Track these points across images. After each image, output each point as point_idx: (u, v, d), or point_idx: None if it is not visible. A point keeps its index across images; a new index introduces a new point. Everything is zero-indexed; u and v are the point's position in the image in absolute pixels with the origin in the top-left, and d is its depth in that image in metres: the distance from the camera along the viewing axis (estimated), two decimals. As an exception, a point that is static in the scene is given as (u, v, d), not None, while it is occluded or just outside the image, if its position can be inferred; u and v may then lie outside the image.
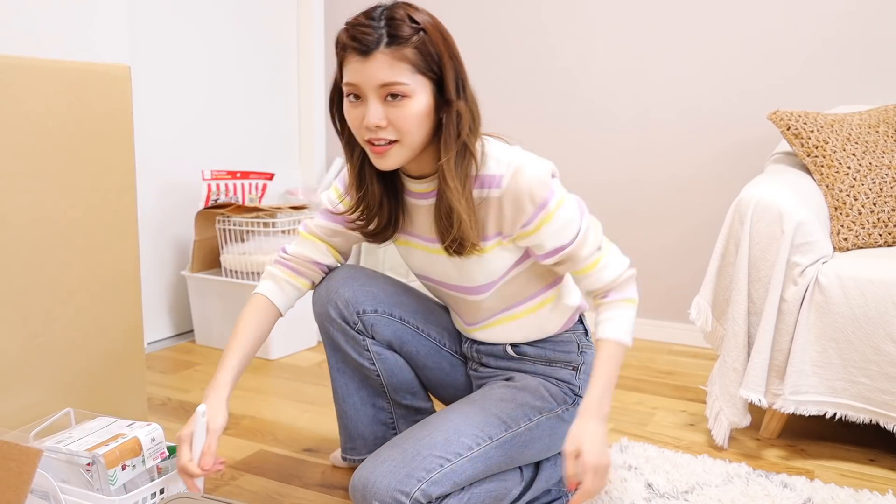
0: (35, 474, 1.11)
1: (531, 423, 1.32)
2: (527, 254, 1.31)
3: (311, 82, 3.00)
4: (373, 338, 1.42)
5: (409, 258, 1.39)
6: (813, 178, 1.83)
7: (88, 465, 1.19)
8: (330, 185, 2.86)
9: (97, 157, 1.49)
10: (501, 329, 1.38)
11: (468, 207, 1.20)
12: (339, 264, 1.45)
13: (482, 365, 1.45)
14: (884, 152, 1.80)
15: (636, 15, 2.48)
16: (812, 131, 1.83)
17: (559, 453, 1.40)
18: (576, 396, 1.38)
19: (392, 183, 1.31)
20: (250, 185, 2.53)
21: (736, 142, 2.40)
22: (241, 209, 2.35)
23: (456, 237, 1.22)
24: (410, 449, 1.22)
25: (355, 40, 1.14)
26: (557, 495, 1.41)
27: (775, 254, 1.60)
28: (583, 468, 1.15)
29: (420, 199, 1.30)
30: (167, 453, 1.30)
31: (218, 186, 2.42)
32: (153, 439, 1.27)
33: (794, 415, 1.84)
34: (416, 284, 2.25)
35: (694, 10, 2.40)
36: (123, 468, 1.21)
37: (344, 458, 1.54)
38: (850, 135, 1.83)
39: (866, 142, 1.82)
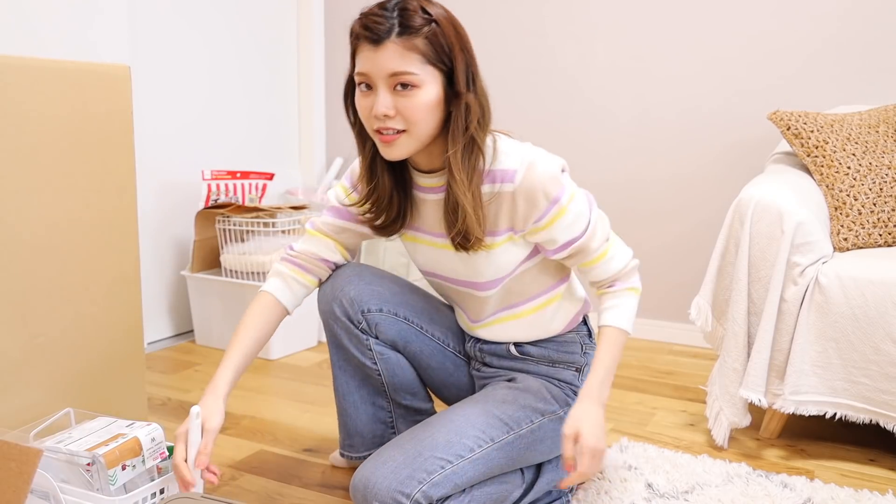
0: (35, 474, 1.11)
1: (533, 424, 1.32)
2: (535, 250, 1.31)
3: (311, 82, 3.00)
4: (376, 337, 1.42)
5: (416, 254, 1.39)
6: (813, 178, 1.83)
7: (88, 465, 1.19)
8: (330, 184, 2.86)
9: (97, 157, 1.49)
10: (505, 327, 1.38)
11: (474, 201, 1.21)
12: (345, 261, 1.45)
13: (485, 364, 1.45)
14: (884, 152, 1.80)
15: (636, 15, 2.48)
16: (812, 131, 1.83)
17: (560, 455, 1.40)
18: (576, 395, 1.38)
19: (402, 177, 1.32)
20: (250, 185, 2.53)
21: (736, 142, 2.40)
22: (241, 209, 2.35)
23: (460, 230, 1.22)
24: (412, 450, 1.22)
25: (367, 29, 1.14)
26: (558, 496, 1.41)
27: (775, 254, 1.60)
28: (580, 451, 1.17)
29: (429, 194, 1.30)
30: (167, 453, 1.30)
31: (218, 186, 2.42)
32: (153, 439, 1.27)
33: (794, 415, 1.84)
34: (422, 284, 2.25)
35: (694, 10, 2.40)
36: (123, 468, 1.21)
37: (342, 455, 1.54)
38: (850, 135, 1.83)
39: (866, 142, 1.82)
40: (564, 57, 2.60)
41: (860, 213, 1.75)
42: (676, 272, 2.52)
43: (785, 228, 1.59)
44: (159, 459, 1.28)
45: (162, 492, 1.25)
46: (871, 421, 1.57)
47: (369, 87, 1.17)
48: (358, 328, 1.41)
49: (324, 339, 2.51)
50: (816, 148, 1.82)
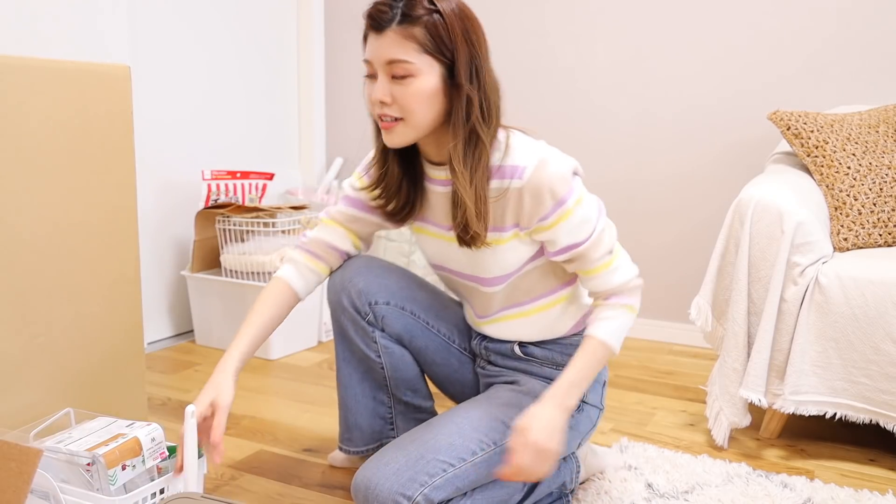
0: (35, 474, 1.11)
1: None
2: (542, 250, 1.31)
3: (311, 82, 3.00)
4: (382, 330, 1.43)
5: (425, 246, 1.40)
6: (813, 178, 1.83)
7: (88, 465, 1.19)
8: (330, 184, 2.87)
9: (97, 157, 1.49)
10: (511, 325, 1.38)
11: (475, 196, 1.21)
12: (357, 251, 1.47)
13: (490, 363, 1.45)
14: (884, 152, 1.80)
15: (636, 15, 2.48)
16: (812, 131, 1.83)
17: (563, 458, 1.40)
18: (582, 403, 1.37)
19: (413, 166, 1.33)
20: (250, 185, 2.53)
21: (736, 141, 2.40)
22: (241, 209, 2.35)
23: (460, 223, 1.23)
24: (414, 452, 1.21)
25: (371, 17, 1.17)
26: (559, 496, 1.41)
27: (775, 254, 1.60)
28: (523, 443, 1.16)
29: (439, 186, 1.31)
30: (167, 453, 1.30)
31: (218, 186, 2.42)
32: (153, 439, 1.27)
33: (794, 415, 1.84)
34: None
35: (694, 10, 2.40)
36: (123, 468, 1.21)
37: (340, 449, 1.54)
38: (850, 135, 1.83)
39: (866, 142, 1.82)
40: (565, 57, 2.60)
41: (860, 213, 1.75)
42: (676, 272, 2.52)
43: (785, 228, 1.59)
44: (159, 459, 1.28)
45: (162, 492, 1.25)
46: (871, 421, 1.57)
47: (373, 74, 1.20)
48: (364, 320, 1.42)
49: (324, 339, 2.51)
50: (816, 148, 1.82)
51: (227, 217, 2.35)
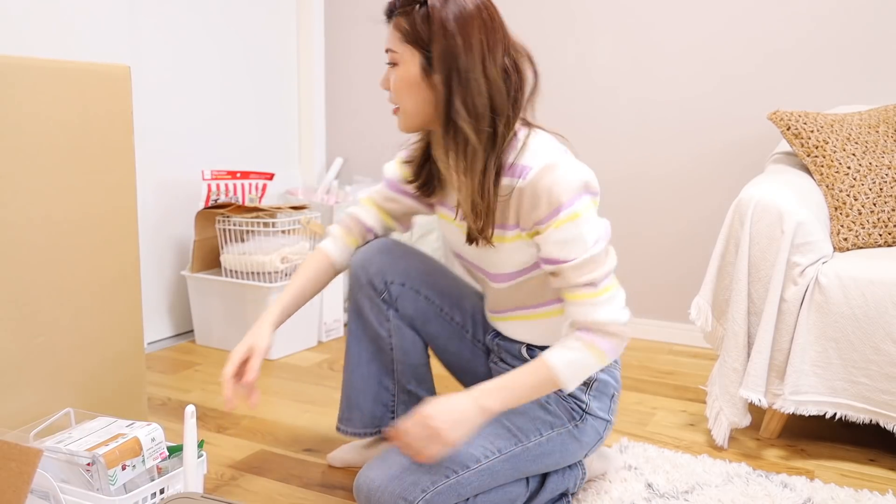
0: (35, 474, 1.11)
1: (542, 437, 1.30)
2: None
3: (311, 82, 3.00)
4: (397, 310, 1.46)
5: (445, 232, 1.43)
6: (813, 178, 1.83)
7: (88, 465, 1.19)
8: (330, 184, 2.87)
9: (97, 157, 1.49)
10: (519, 325, 1.38)
11: (469, 190, 1.21)
12: (386, 231, 1.51)
13: (501, 360, 1.46)
14: (884, 152, 1.80)
15: (636, 14, 2.48)
16: (812, 131, 1.83)
17: (568, 466, 1.39)
18: (584, 413, 1.34)
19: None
20: (250, 185, 2.53)
21: (736, 141, 2.40)
22: (241, 209, 2.35)
23: (462, 215, 1.26)
24: None
25: (386, 8, 1.25)
26: (559, 498, 1.40)
27: (775, 254, 1.60)
28: (422, 422, 1.15)
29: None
30: (167, 453, 1.30)
31: (218, 186, 2.42)
32: (153, 439, 1.27)
33: (794, 415, 1.84)
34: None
35: (694, 9, 2.40)
36: (123, 468, 1.21)
37: (338, 429, 1.55)
38: (850, 135, 1.83)
39: (866, 142, 1.82)
40: (565, 56, 2.60)
41: (860, 213, 1.75)
42: (676, 272, 2.52)
43: (785, 228, 1.59)
44: (159, 459, 1.28)
45: (162, 492, 1.25)
46: (871, 421, 1.57)
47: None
48: (380, 297, 1.46)
49: (324, 339, 2.51)
50: (816, 148, 1.82)
51: (227, 217, 2.35)
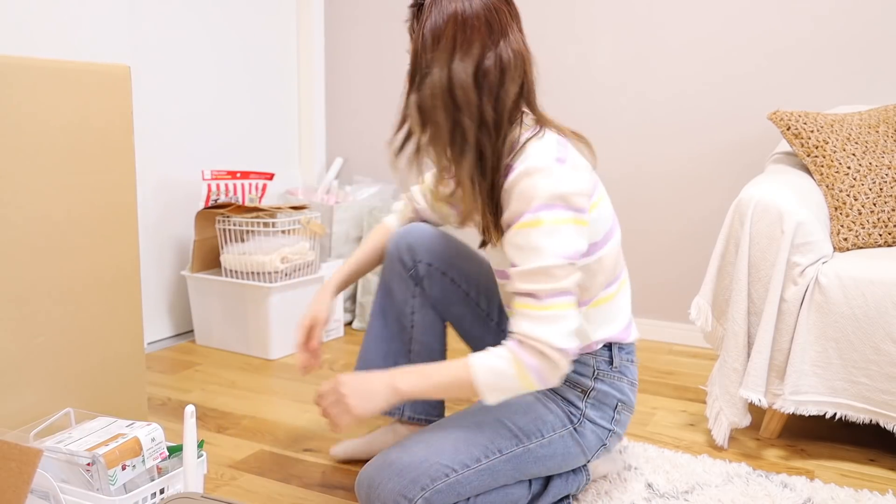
0: (35, 474, 1.11)
1: (543, 439, 1.29)
2: None
3: (311, 82, 3.00)
4: (423, 289, 1.49)
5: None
6: (813, 178, 1.83)
7: (88, 465, 1.19)
8: (330, 184, 2.87)
9: (97, 157, 1.49)
10: None
11: (464, 185, 1.23)
12: (440, 215, 1.55)
13: None
14: (884, 152, 1.80)
15: (637, 13, 2.48)
16: (812, 131, 1.83)
17: (572, 471, 1.39)
18: (581, 418, 1.33)
19: None
20: (250, 185, 2.53)
21: (736, 141, 2.40)
22: (241, 209, 2.35)
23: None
24: (419, 453, 1.21)
25: None
26: (561, 500, 1.40)
27: (775, 254, 1.60)
28: (334, 390, 1.19)
29: None
30: (167, 453, 1.30)
31: (218, 186, 2.42)
32: (153, 439, 1.27)
33: (794, 415, 1.84)
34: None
35: (694, 9, 2.40)
36: (123, 468, 1.21)
37: None
38: (850, 135, 1.83)
39: (866, 142, 1.82)
40: (565, 56, 2.60)
41: (860, 213, 1.75)
42: (676, 272, 2.52)
43: (785, 228, 1.59)
44: (159, 459, 1.28)
45: (162, 492, 1.25)
46: (871, 421, 1.57)
47: None
48: (408, 273, 1.49)
49: (324, 339, 2.51)
50: (816, 148, 1.82)
51: (227, 217, 2.35)
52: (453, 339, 2.46)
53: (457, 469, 1.21)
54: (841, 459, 1.65)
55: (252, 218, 2.34)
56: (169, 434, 1.73)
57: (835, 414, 1.60)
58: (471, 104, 1.17)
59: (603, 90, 2.56)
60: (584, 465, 1.41)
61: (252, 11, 2.75)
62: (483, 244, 1.32)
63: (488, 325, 1.51)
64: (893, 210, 1.75)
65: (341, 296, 2.57)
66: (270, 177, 2.59)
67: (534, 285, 1.14)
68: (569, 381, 1.34)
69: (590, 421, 1.33)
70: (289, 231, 2.39)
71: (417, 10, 1.21)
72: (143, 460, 1.25)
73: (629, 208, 2.56)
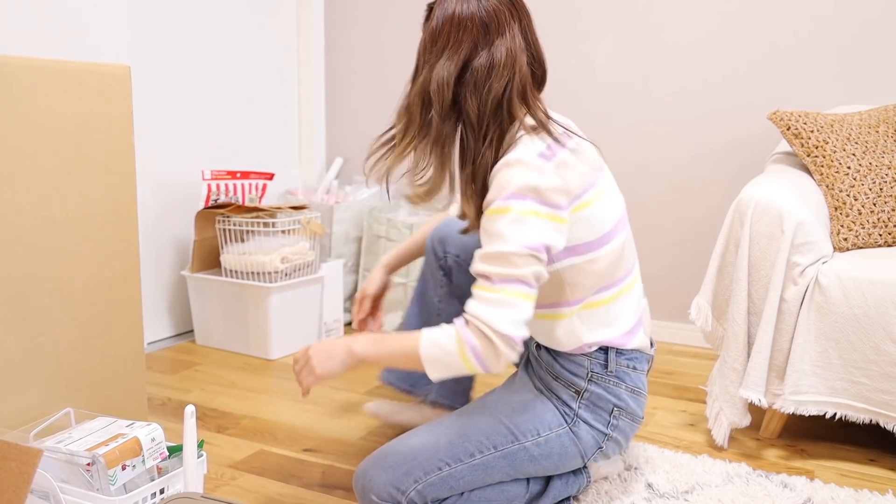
0: (35, 474, 1.11)
1: (540, 437, 1.29)
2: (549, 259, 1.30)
3: (311, 82, 3.00)
4: (451, 281, 1.58)
5: None
6: (813, 178, 1.83)
7: (88, 465, 1.19)
8: (330, 184, 2.87)
9: (97, 157, 1.49)
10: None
11: (460, 176, 1.28)
12: None
13: (527, 346, 1.47)
14: (884, 152, 1.80)
15: (637, 13, 2.48)
16: (812, 131, 1.83)
17: (573, 473, 1.39)
18: (577, 418, 1.32)
19: None
20: (250, 185, 2.53)
21: (736, 141, 2.40)
22: (241, 209, 2.35)
23: None
24: (415, 447, 1.23)
25: None
26: (562, 502, 1.40)
27: (775, 254, 1.60)
28: (304, 352, 1.26)
29: None
30: (167, 453, 1.30)
31: (218, 186, 2.42)
32: (153, 439, 1.27)
33: (794, 415, 1.84)
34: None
35: (695, 9, 2.40)
36: (123, 468, 1.21)
37: (379, 377, 1.74)
38: (850, 135, 1.83)
39: (866, 142, 1.82)
40: (565, 56, 2.60)
41: (860, 213, 1.75)
42: (676, 272, 2.52)
43: (785, 228, 1.59)
44: (159, 459, 1.28)
45: (162, 492, 1.25)
46: (871, 421, 1.57)
47: None
48: (438, 264, 1.59)
49: (324, 338, 2.51)
50: (816, 148, 1.82)
51: (227, 217, 2.35)
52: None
53: (450, 463, 1.22)
54: (841, 459, 1.65)
55: (252, 218, 2.34)
56: (169, 434, 1.73)
57: (835, 414, 1.60)
58: (445, 101, 1.21)
59: (603, 90, 2.56)
60: (585, 467, 1.41)
61: (252, 11, 2.75)
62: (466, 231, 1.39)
63: None
64: (893, 210, 1.75)
65: (341, 296, 2.57)
66: (270, 177, 2.59)
67: (490, 268, 1.14)
68: (563, 381, 1.34)
69: (584, 422, 1.32)
70: (289, 231, 2.39)
71: (429, 12, 1.26)
72: (143, 460, 1.25)
73: (629, 208, 2.56)
